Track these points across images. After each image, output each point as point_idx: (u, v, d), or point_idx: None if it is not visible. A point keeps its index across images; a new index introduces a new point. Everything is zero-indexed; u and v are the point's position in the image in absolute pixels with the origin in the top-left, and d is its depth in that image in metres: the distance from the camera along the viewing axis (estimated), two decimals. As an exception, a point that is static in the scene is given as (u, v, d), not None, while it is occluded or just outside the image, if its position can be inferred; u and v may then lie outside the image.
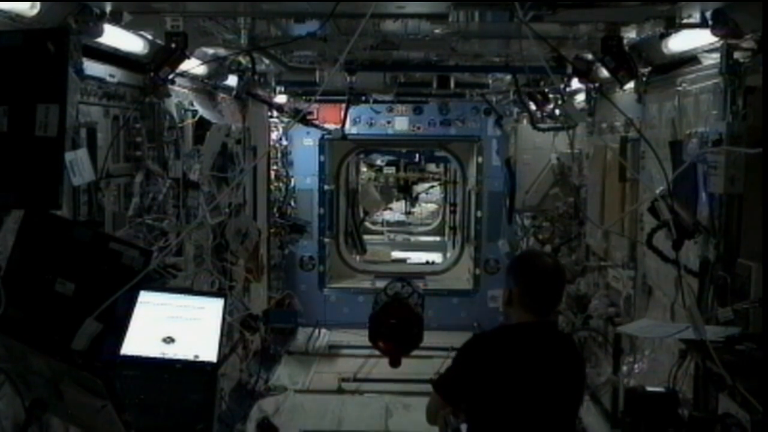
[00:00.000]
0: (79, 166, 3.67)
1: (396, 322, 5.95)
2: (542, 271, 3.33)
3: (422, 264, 12.25)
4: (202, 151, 5.59)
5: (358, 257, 11.54)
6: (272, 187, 8.69)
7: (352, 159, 11.31)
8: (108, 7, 3.70)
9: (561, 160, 7.37)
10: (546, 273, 3.33)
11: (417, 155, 14.42)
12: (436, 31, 4.80)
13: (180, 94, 5.35)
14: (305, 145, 9.59)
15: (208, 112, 5.83)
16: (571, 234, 7.06)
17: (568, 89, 6.42)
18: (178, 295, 3.93)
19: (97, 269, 2.51)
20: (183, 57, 4.32)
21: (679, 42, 4.14)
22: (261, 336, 7.19)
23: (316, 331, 9.24)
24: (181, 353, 3.74)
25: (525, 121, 7.95)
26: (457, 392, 3.34)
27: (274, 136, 8.79)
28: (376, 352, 6.41)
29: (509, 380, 3.21)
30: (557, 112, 6.86)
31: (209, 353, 3.77)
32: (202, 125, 5.70)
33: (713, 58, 3.82)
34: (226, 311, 3.96)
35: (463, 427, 3.33)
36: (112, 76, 4.31)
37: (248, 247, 6.54)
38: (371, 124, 9.47)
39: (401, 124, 9.57)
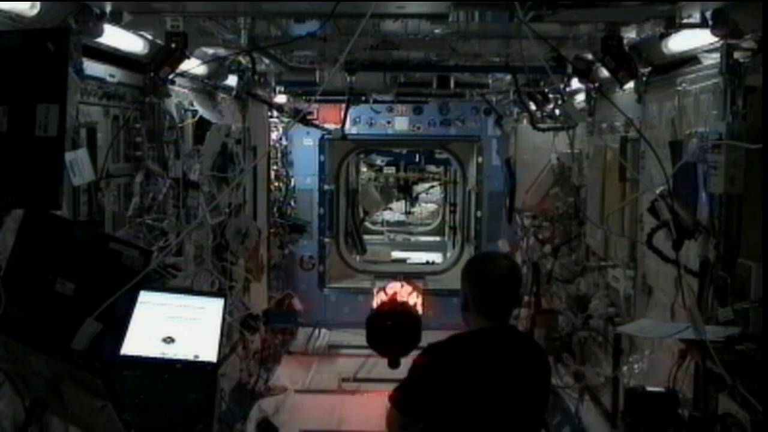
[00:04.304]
0: (79, 166, 3.67)
1: (392, 324, 5.92)
2: (495, 275, 3.20)
3: (422, 264, 12.23)
4: (202, 151, 5.59)
5: (358, 257, 11.52)
6: (272, 187, 8.68)
7: (352, 159, 11.30)
8: (108, 7, 3.69)
9: (561, 160, 7.36)
10: (499, 277, 3.20)
11: (417, 155, 14.42)
12: (436, 31, 4.80)
13: (180, 94, 5.35)
14: (305, 145, 9.58)
15: (208, 112, 5.82)
16: (571, 234, 7.06)
17: (568, 89, 6.41)
18: (178, 295, 3.92)
19: (97, 269, 2.51)
20: (183, 57, 4.32)
21: (679, 42, 4.13)
22: (261, 336, 7.18)
23: (316, 331, 9.24)
24: (181, 353, 3.73)
25: (525, 121, 7.95)
26: (416, 406, 3.20)
27: (274, 136, 8.78)
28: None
29: (468, 389, 3.09)
30: (557, 112, 6.86)
31: (209, 353, 3.76)
32: (202, 125, 5.69)
33: (713, 58, 3.81)
34: (226, 311, 3.95)
35: None
36: (112, 76, 4.31)
37: (248, 247, 6.54)
38: (371, 124, 9.46)
39: (401, 124, 9.56)
